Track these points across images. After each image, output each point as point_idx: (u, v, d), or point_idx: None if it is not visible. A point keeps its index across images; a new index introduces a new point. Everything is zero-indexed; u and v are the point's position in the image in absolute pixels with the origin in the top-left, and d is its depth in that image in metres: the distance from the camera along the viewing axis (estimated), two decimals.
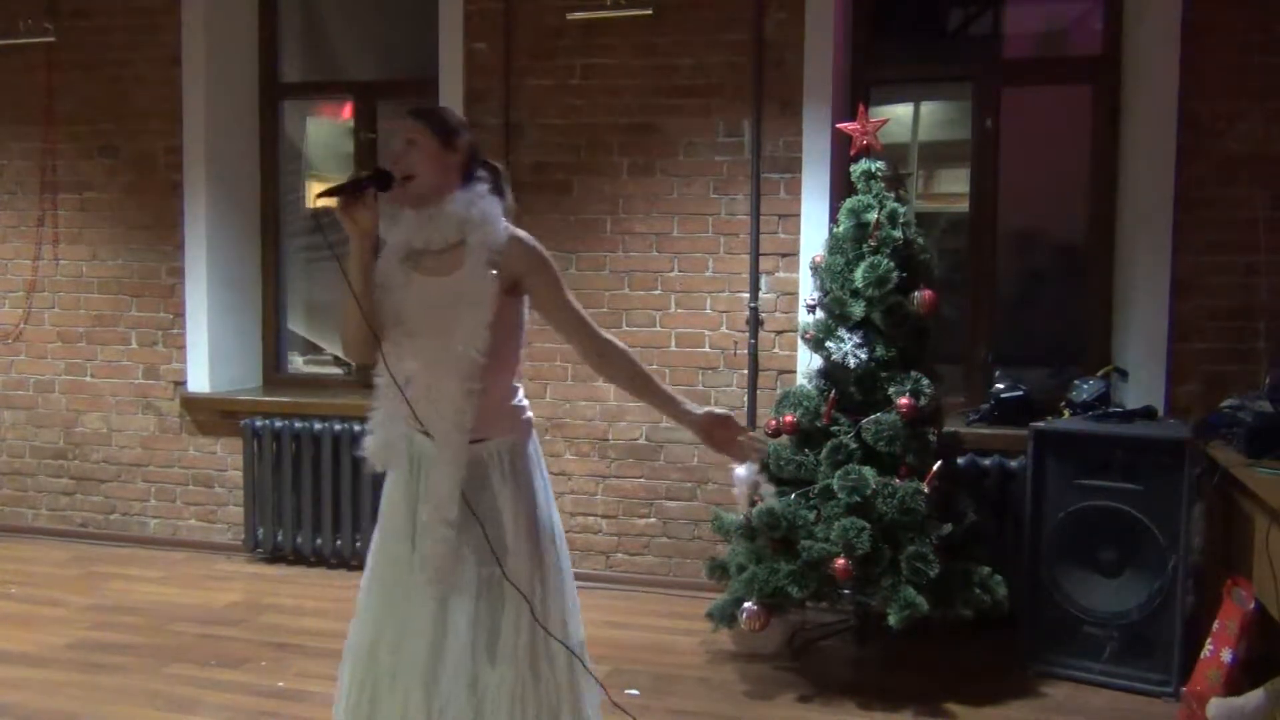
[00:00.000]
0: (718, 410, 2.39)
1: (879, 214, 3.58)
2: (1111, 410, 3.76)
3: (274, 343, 5.26)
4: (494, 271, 2.26)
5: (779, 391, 3.95)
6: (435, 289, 2.30)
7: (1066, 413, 3.86)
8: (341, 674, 2.43)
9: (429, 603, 2.29)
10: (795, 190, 4.28)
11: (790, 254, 4.30)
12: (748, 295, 4.34)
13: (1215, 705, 2.97)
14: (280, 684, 3.54)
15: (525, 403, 2.46)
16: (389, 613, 2.36)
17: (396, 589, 2.35)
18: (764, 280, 4.34)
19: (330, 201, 2.27)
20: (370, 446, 2.39)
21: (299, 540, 4.82)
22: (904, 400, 3.47)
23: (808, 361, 3.95)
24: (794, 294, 4.28)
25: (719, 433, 2.37)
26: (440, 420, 2.28)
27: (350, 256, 2.29)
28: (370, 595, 2.40)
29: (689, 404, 2.38)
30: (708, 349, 4.42)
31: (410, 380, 2.31)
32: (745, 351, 4.36)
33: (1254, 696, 2.88)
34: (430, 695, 2.27)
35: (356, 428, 4.71)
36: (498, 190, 2.39)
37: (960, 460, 3.88)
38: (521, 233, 2.35)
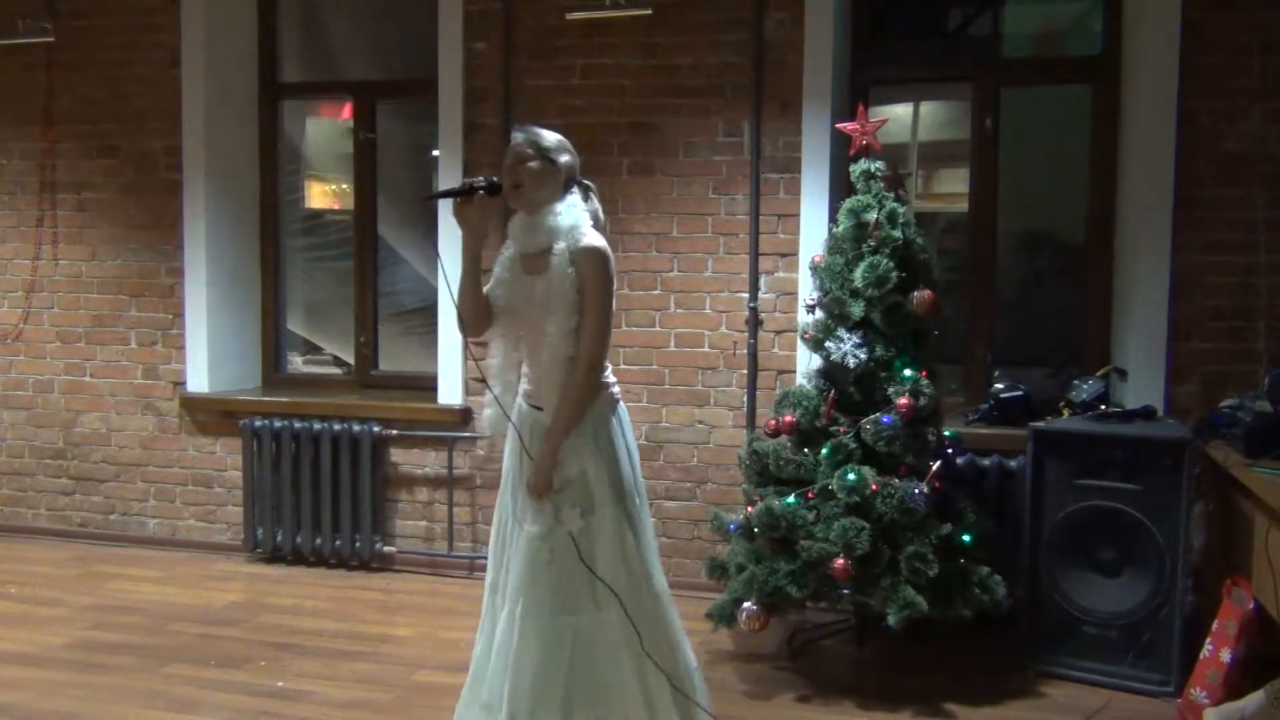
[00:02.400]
0: (533, 477, 2.73)
1: (878, 214, 3.58)
2: (1111, 410, 3.76)
3: (273, 342, 5.26)
4: (571, 271, 2.67)
5: (778, 391, 3.95)
6: (532, 286, 2.74)
7: (1066, 413, 3.86)
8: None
9: (528, 550, 2.71)
10: (795, 190, 4.28)
11: (790, 254, 4.30)
12: (747, 295, 4.35)
13: (1214, 713, 2.97)
14: (280, 684, 3.54)
15: (611, 379, 2.82)
16: (500, 557, 2.85)
17: (508, 537, 2.82)
18: (763, 280, 4.34)
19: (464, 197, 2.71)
20: (484, 419, 2.95)
21: (298, 540, 4.82)
22: (903, 400, 3.47)
23: (807, 361, 3.95)
24: (793, 294, 4.28)
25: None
26: (547, 401, 2.74)
27: (463, 247, 2.74)
28: (493, 540, 2.91)
29: (551, 454, 2.72)
30: (707, 349, 4.42)
31: (523, 360, 2.83)
32: (745, 351, 4.36)
33: (1254, 699, 2.87)
34: (538, 636, 2.68)
35: (355, 427, 4.72)
36: (588, 204, 2.81)
37: (960, 460, 3.88)
38: (597, 241, 2.73)
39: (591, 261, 2.68)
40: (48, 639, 3.93)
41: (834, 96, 4.22)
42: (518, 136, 2.76)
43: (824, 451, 3.56)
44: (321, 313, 5.42)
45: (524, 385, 2.85)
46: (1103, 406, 3.81)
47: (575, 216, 2.73)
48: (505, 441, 2.90)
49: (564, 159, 2.76)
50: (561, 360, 2.69)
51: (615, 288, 2.77)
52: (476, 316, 2.81)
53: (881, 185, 3.66)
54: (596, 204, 2.84)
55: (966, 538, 3.51)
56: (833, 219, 3.95)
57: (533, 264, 2.76)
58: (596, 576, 2.69)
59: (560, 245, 2.69)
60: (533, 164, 2.70)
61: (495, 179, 2.72)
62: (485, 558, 4.66)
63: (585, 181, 2.85)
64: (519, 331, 2.82)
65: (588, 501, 2.72)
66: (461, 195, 2.70)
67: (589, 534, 2.71)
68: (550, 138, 2.77)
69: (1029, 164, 4.64)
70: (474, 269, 2.76)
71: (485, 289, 2.83)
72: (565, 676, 2.68)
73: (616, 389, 2.83)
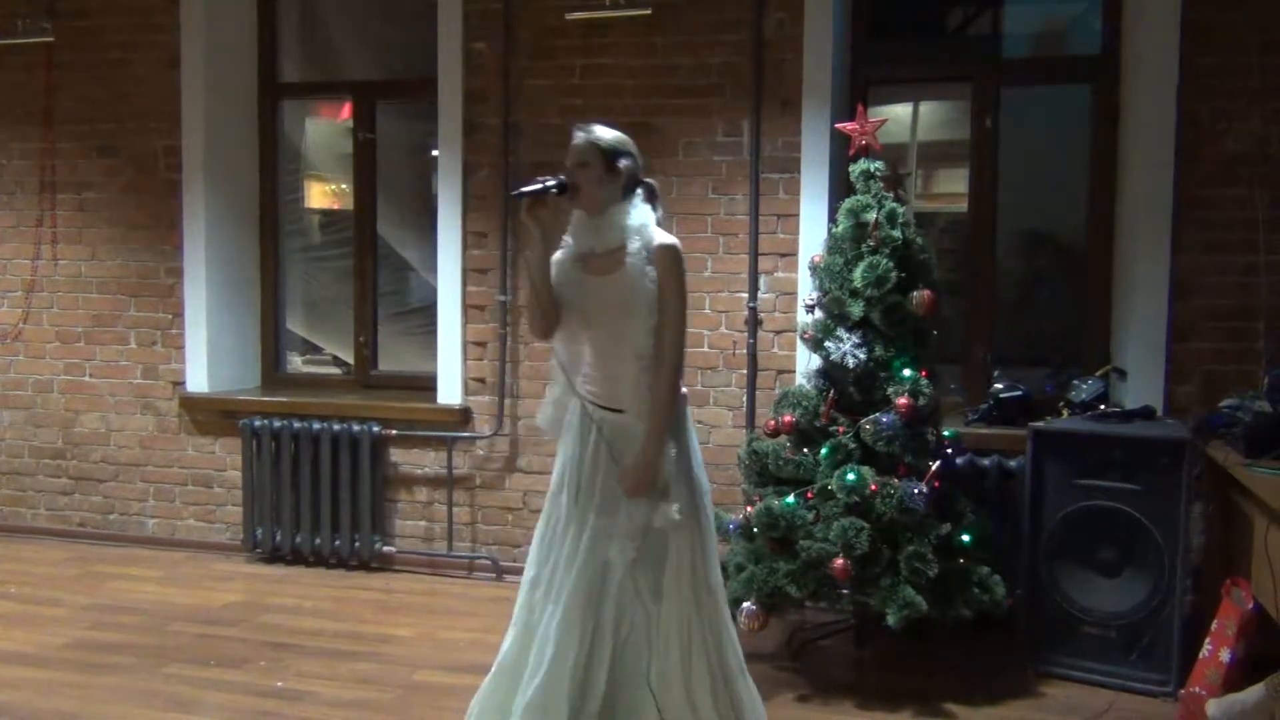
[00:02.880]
0: (635, 477, 2.71)
1: (878, 214, 3.58)
2: (1111, 410, 3.76)
3: (273, 342, 5.26)
4: (651, 269, 2.68)
5: (778, 391, 3.95)
6: (602, 286, 2.74)
7: (1065, 413, 3.86)
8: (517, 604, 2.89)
9: (590, 550, 2.72)
10: (794, 190, 4.28)
11: (789, 254, 4.30)
12: (747, 295, 4.34)
13: (1215, 705, 2.97)
14: (279, 684, 3.53)
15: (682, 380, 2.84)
16: (550, 554, 2.81)
17: (564, 534, 2.78)
18: (763, 280, 4.34)
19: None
20: (543, 416, 2.94)
21: (298, 540, 4.82)
22: (903, 400, 3.47)
23: (807, 361, 3.94)
24: (793, 294, 4.28)
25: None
26: (628, 402, 2.74)
27: (532, 246, 2.79)
28: (540, 538, 2.86)
29: (660, 453, 2.71)
30: (707, 349, 4.41)
31: (587, 360, 2.82)
32: (744, 351, 4.36)
33: (1254, 691, 2.87)
34: (594, 626, 2.71)
35: (355, 427, 4.72)
36: (652, 203, 2.82)
37: (960, 460, 3.88)
38: (670, 238, 2.76)
39: (669, 260, 2.71)
40: (48, 639, 3.93)
41: (834, 96, 4.22)
42: (578, 136, 2.76)
43: (823, 451, 3.56)
44: (321, 312, 5.42)
45: (587, 386, 2.84)
46: (1102, 406, 3.81)
47: (643, 215, 2.75)
48: (564, 441, 2.88)
49: (624, 161, 2.76)
50: (644, 360, 2.70)
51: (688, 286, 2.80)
52: (550, 317, 2.82)
53: (881, 185, 3.66)
54: (659, 205, 2.85)
55: (966, 538, 3.51)
56: (832, 219, 3.95)
57: (599, 264, 2.76)
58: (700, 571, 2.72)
59: (635, 244, 2.70)
60: (592, 166, 2.71)
61: (566, 180, 2.73)
62: (485, 558, 4.71)
63: (648, 181, 2.86)
64: (584, 331, 2.82)
65: (671, 502, 2.74)
66: (536, 195, 2.71)
67: (664, 536, 2.74)
68: (609, 137, 2.77)
69: (1029, 164, 4.64)
70: (545, 271, 2.77)
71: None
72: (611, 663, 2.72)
73: (685, 389, 2.87)
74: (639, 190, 2.80)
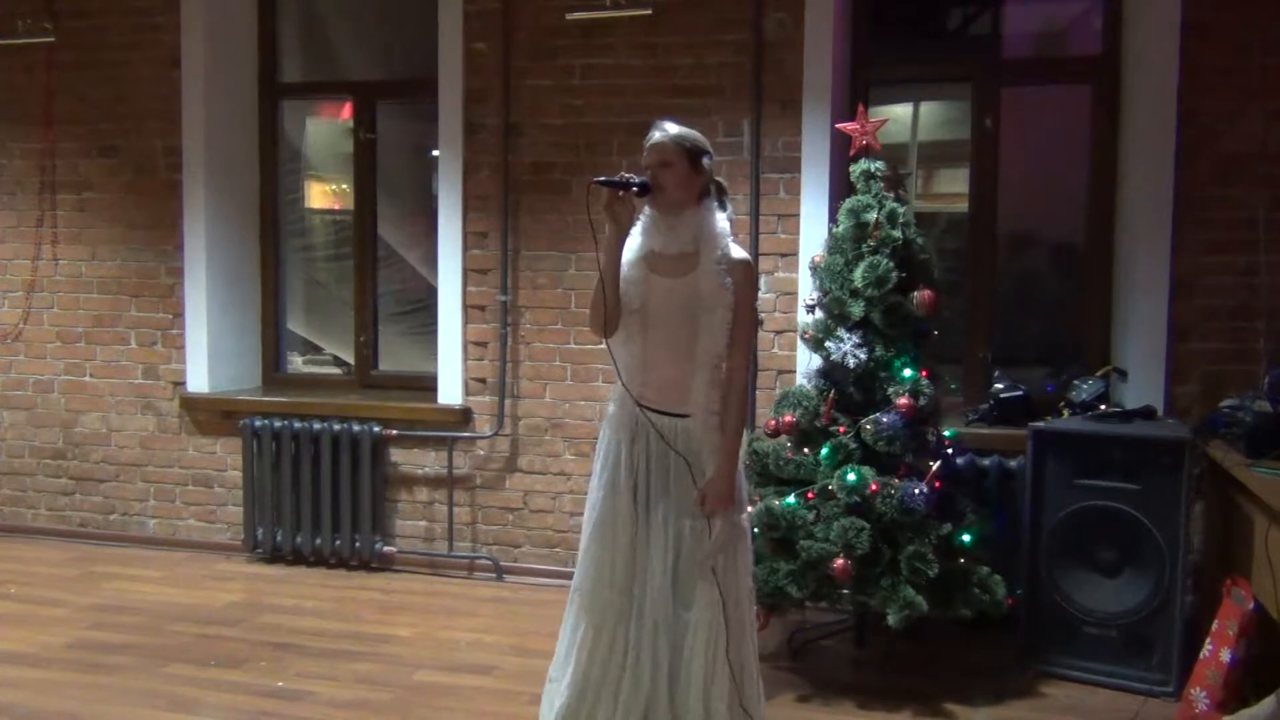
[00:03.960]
0: (716, 491, 2.69)
1: (878, 214, 3.58)
2: (1111, 410, 3.76)
3: (273, 342, 5.26)
4: (729, 281, 2.67)
5: (778, 391, 3.95)
6: (670, 288, 2.70)
7: (1066, 413, 3.86)
8: (568, 612, 2.84)
9: (637, 551, 2.73)
10: (794, 190, 4.28)
11: (790, 254, 4.30)
12: None
13: None
14: (279, 684, 3.53)
15: None
16: (606, 558, 2.76)
17: (620, 538, 2.75)
18: (763, 280, 4.33)
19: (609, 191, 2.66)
20: (611, 417, 2.81)
21: (298, 540, 4.82)
22: (903, 400, 3.47)
23: (807, 361, 3.94)
24: (793, 294, 4.28)
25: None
26: (695, 404, 2.71)
27: (606, 242, 2.71)
28: (590, 542, 2.80)
29: (736, 469, 2.73)
30: None
31: (643, 362, 2.75)
32: None
33: (1266, 705, 2.86)
34: (635, 631, 2.71)
35: (355, 427, 4.72)
36: (722, 206, 2.80)
37: (960, 460, 3.88)
38: (745, 254, 2.77)
39: (746, 275, 2.72)
40: (48, 639, 3.93)
41: (834, 96, 4.22)
42: (657, 135, 2.70)
43: (824, 451, 3.56)
44: (321, 312, 5.42)
45: (643, 390, 2.76)
46: (1103, 406, 3.81)
47: (721, 222, 2.74)
48: (610, 443, 2.81)
49: (707, 160, 2.73)
50: (715, 364, 2.70)
51: None
52: (612, 316, 2.75)
53: (881, 185, 3.66)
54: (730, 208, 2.83)
55: (966, 538, 3.51)
56: (833, 219, 3.95)
57: (669, 266, 2.72)
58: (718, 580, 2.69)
59: (715, 252, 2.69)
60: (677, 166, 2.67)
61: (647, 180, 2.68)
62: (486, 558, 4.71)
63: (720, 181, 2.82)
64: (644, 333, 2.75)
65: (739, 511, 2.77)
66: (620, 188, 2.65)
67: (694, 539, 2.72)
68: (693, 136, 2.72)
69: (1029, 164, 4.64)
70: (616, 269, 2.72)
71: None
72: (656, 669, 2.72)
73: None
74: (711, 191, 2.77)
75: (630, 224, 2.71)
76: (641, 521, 2.75)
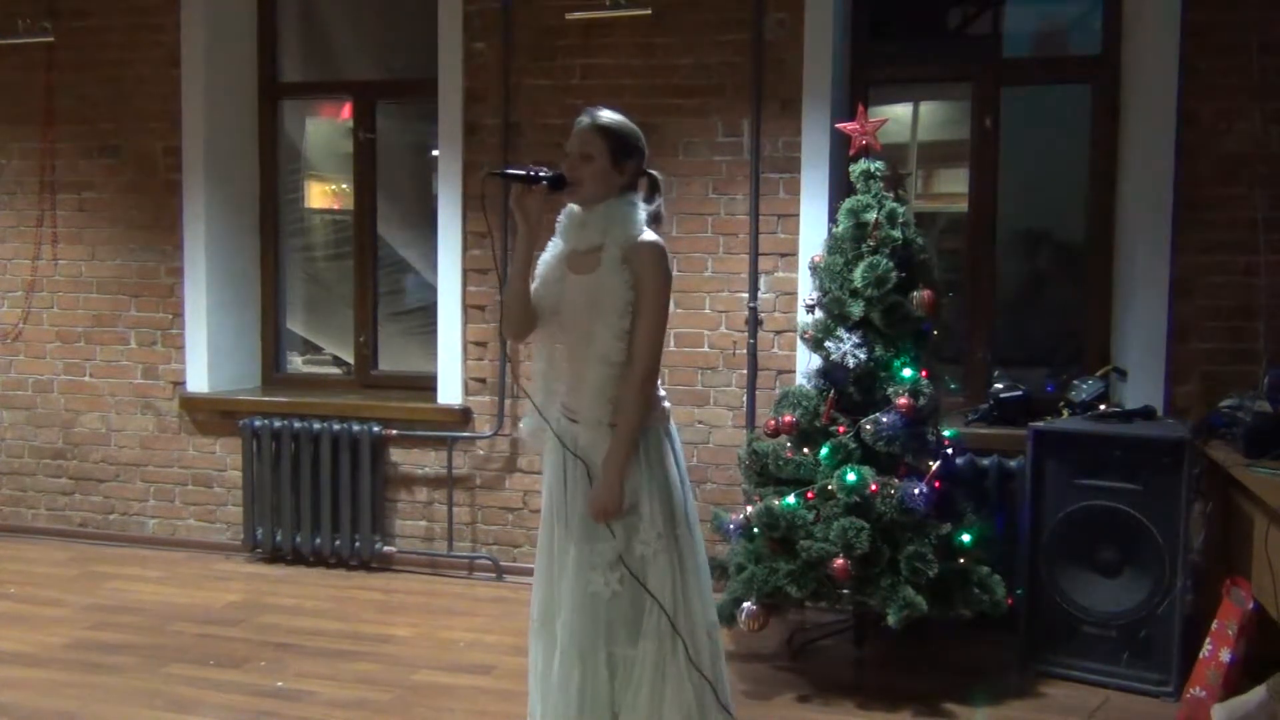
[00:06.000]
0: (596, 499, 2.48)
1: (878, 214, 3.58)
2: (1111, 410, 3.76)
3: (273, 342, 5.26)
4: (625, 268, 2.44)
5: (778, 391, 3.95)
6: (580, 286, 2.51)
7: (1066, 413, 3.86)
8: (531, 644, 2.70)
9: (576, 580, 2.51)
10: (794, 190, 4.28)
11: (789, 254, 4.30)
12: (747, 295, 4.34)
13: (1220, 709, 2.96)
14: (279, 684, 3.53)
15: (662, 392, 2.61)
16: (548, 587, 2.61)
17: (553, 566, 2.60)
18: (763, 280, 4.34)
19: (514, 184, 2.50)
20: (523, 429, 2.68)
21: (298, 540, 4.82)
22: (903, 400, 3.47)
23: (807, 361, 3.94)
24: (793, 294, 4.28)
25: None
26: (586, 410, 2.49)
27: (518, 240, 2.54)
28: (537, 571, 2.66)
29: (620, 470, 2.46)
30: (707, 349, 4.42)
31: (561, 368, 2.58)
32: (744, 351, 4.36)
33: (1256, 693, 2.87)
34: (582, 665, 2.50)
35: (355, 427, 4.72)
36: (650, 198, 2.58)
37: (960, 460, 3.88)
38: (652, 237, 2.51)
39: (647, 259, 2.46)
40: (48, 639, 3.93)
41: (834, 96, 4.22)
42: (584, 122, 2.51)
43: (823, 451, 3.56)
44: (321, 312, 5.42)
45: (565, 398, 2.58)
46: (1102, 406, 3.81)
47: (631, 211, 2.51)
48: (546, 461, 2.66)
49: (631, 160, 2.53)
50: (610, 366, 2.44)
51: (671, 289, 2.53)
52: (523, 319, 2.58)
53: (881, 185, 3.66)
54: (660, 200, 2.60)
55: (966, 538, 3.51)
56: (832, 219, 3.95)
57: (582, 262, 2.53)
58: (663, 609, 2.47)
59: (613, 241, 2.47)
60: (597, 160, 2.48)
61: (561, 173, 2.49)
62: (485, 558, 4.71)
63: (652, 173, 2.61)
64: (560, 336, 2.58)
65: (642, 531, 2.49)
66: (526, 182, 2.47)
67: (643, 566, 2.48)
68: (619, 131, 2.51)
69: (1029, 164, 4.64)
70: (526, 268, 2.54)
71: (532, 289, 2.60)
72: (590, 706, 2.51)
73: (667, 403, 2.60)
74: (638, 185, 2.57)
75: (540, 221, 2.52)
76: (560, 549, 2.57)
